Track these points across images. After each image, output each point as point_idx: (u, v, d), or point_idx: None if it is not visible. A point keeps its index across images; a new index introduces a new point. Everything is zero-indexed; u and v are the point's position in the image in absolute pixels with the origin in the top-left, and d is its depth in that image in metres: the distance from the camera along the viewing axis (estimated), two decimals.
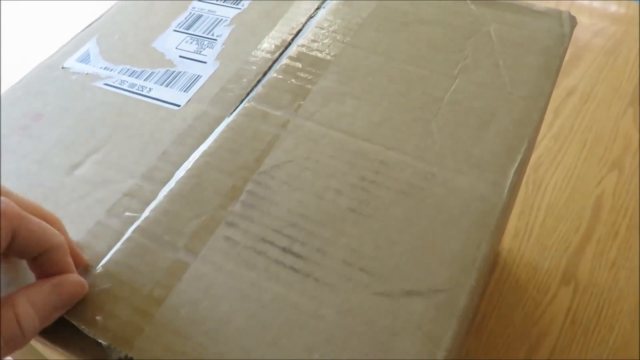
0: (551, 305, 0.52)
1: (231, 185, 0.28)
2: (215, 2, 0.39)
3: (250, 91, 0.33)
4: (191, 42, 0.36)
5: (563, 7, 0.76)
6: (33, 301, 0.22)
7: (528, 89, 0.32)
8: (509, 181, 0.28)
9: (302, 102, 0.32)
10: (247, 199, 0.27)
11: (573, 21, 0.36)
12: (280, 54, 0.35)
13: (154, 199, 0.28)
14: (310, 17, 0.37)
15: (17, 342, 0.21)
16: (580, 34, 0.75)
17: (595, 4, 0.80)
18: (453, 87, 0.32)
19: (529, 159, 0.29)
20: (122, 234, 0.27)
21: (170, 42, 0.37)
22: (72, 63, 0.36)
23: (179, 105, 0.32)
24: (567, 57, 0.73)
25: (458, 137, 0.30)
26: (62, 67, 0.36)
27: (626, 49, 0.74)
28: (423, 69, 0.33)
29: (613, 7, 0.79)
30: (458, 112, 0.31)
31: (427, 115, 0.31)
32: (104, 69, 0.35)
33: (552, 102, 0.50)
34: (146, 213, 0.27)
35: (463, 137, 0.30)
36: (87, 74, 0.35)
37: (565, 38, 0.35)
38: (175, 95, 0.33)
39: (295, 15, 0.37)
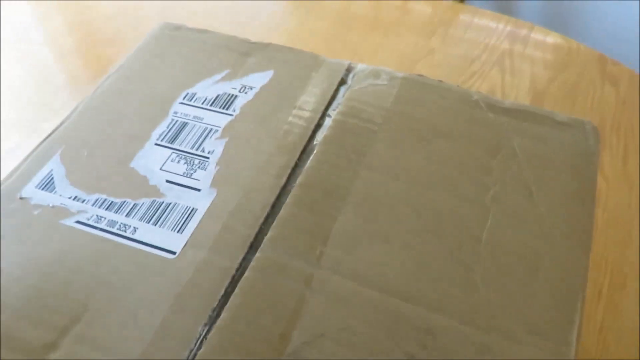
0: None
1: None
2: (200, 105, 0.34)
3: (259, 230, 0.28)
4: (178, 161, 0.31)
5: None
6: None
7: (568, 224, 0.29)
8: (572, 350, 0.25)
9: (323, 248, 0.27)
10: None
11: (596, 133, 0.33)
12: (288, 179, 0.30)
13: None
14: (315, 129, 0.32)
15: None
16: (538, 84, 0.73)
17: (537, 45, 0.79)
18: (489, 222, 0.29)
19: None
20: None
21: (153, 161, 0.31)
22: (32, 191, 0.29)
23: (174, 253, 0.27)
24: None
25: (507, 291, 0.26)
26: (20, 198, 0.29)
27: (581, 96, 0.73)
28: (452, 198, 0.29)
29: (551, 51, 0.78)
30: (500, 257, 0.27)
31: (468, 260, 0.27)
32: (74, 199, 0.29)
33: None
34: None
35: (512, 290, 0.26)
36: (52, 206, 0.29)
37: (594, 157, 0.32)
38: (168, 237, 0.28)
39: (295, 126, 0.32)
